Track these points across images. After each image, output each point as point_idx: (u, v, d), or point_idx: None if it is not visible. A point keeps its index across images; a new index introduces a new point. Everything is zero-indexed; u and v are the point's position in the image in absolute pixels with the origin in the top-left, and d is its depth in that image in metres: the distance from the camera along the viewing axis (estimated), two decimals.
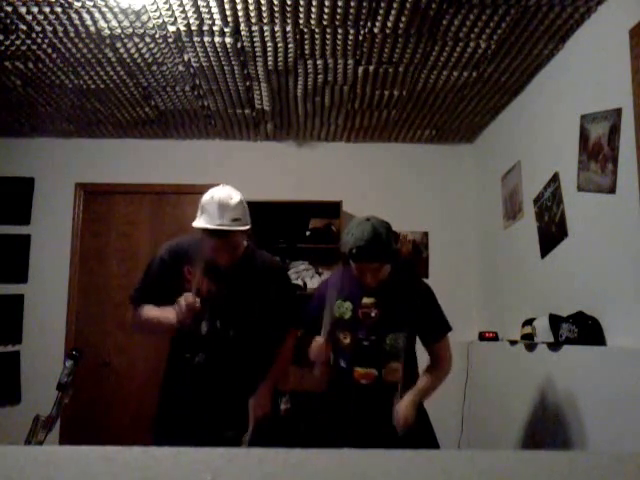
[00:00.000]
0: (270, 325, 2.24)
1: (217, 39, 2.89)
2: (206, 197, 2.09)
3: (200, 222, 2.07)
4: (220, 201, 2.04)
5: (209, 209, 2.05)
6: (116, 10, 2.62)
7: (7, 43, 2.90)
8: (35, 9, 2.60)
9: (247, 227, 2.12)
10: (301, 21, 2.70)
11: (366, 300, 2.22)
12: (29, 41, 2.89)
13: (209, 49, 2.99)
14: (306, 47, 2.95)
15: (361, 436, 2.12)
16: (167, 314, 2.08)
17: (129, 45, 2.95)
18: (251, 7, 2.59)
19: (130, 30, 2.80)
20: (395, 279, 2.25)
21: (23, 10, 2.61)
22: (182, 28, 2.78)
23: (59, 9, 2.61)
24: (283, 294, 2.30)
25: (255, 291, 2.21)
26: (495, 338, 3.65)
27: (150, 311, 2.18)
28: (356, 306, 2.22)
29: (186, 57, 3.08)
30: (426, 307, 2.27)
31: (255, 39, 2.88)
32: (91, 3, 2.56)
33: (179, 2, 2.57)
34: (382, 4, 2.56)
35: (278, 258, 3.66)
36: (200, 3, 2.57)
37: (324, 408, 2.34)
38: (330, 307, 2.19)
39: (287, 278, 2.51)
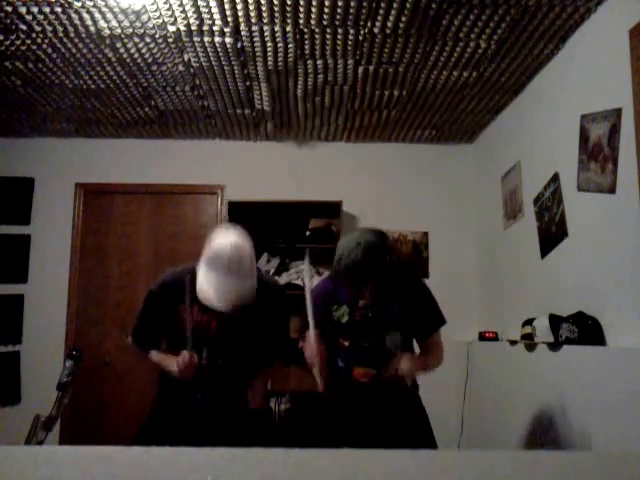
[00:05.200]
0: (262, 353, 2.21)
1: (217, 39, 2.89)
2: (215, 248, 1.95)
3: (206, 283, 1.96)
4: (229, 263, 1.91)
5: (216, 266, 1.92)
6: (116, 10, 2.62)
7: (7, 43, 2.90)
8: (35, 9, 2.60)
9: (254, 291, 2.00)
10: (301, 21, 2.70)
11: (362, 302, 2.21)
12: (29, 41, 2.89)
13: (209, 49, 2.99)
14: (306, 47, 2.95)
15: (361, 434, 2.12)
16: (169, 364, 2.06)
17: (129, 45, 2.95)
18: (251, 7, 2.59)
19: (130, 30, 2.80)
20: (390, 279, 2.24)
21: (23, 10, 2.61)
22: (182, 28, 2.78)
23: (59, 9, 2.61)
24: (278, 320, 2.24)
25: (255, 320, 2.15)
26: (495, 338, 3.64)
27: (153, 356, 2.18)
28: (352, 309, 2.21)
29: (186, 57, 3.08)
30: (422, 303, 2.28)
31: (255, 39, 2.88)
32: (91, 3, 2.56)
33: (179, 2, 2.57)
34: (382, 4, 2.56)
35: (277, 279, 3.62)
36: (200, 3, 2.57)
37: (323, 409, 2.34)
38: (322, 309, 2.18)
39: (284, 302, 2.33)
